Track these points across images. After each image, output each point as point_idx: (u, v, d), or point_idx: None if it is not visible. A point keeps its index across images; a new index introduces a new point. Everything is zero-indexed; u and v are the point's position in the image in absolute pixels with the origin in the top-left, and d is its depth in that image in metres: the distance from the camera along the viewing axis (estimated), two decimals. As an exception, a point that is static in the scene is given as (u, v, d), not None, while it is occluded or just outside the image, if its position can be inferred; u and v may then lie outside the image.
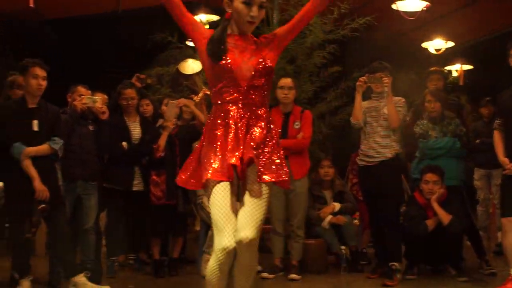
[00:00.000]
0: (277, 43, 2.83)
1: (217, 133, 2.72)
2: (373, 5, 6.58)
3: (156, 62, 8.15)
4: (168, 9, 2.76)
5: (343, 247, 5.37)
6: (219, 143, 2.69)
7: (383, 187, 4.96)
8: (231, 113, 2.71)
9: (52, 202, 4.29)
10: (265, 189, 2.64)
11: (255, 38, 2.82)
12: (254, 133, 2.70)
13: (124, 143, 5.21)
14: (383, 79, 4.93)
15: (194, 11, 7.60)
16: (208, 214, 5.22)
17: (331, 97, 5.87)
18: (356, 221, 6.04)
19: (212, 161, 2.67)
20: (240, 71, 2.71)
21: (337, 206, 5.48)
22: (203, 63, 2.85)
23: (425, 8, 6.85)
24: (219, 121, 2.73)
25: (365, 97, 5.20)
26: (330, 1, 2.82)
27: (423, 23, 7.61)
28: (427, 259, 5.11)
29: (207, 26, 7.61)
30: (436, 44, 8.06)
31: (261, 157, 2.67)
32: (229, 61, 2.69)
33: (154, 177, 5.26)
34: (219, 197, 2.62)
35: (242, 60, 2.73)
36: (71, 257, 4.56)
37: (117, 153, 5.19)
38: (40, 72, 4.36)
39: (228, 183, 2.64)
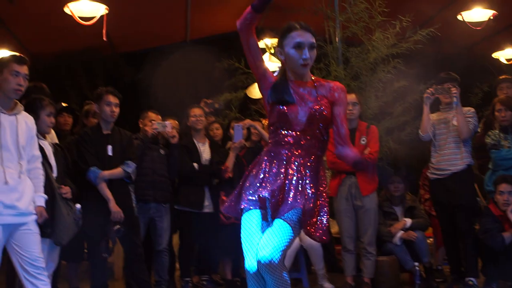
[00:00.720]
0: (331, 100, 2.83)
1: (261, 168, 2.81)
2: (439, 18, 6.46)
3: (225, 88, 8.33)
4: (242, 37, 2.78)
5: (416, 263, 5.23)
6: (260, 177, 2.78)
7: (456, 200, 4.84)
8: (281, 155, 2.78)
9: (126, 223, 4.47)
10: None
11: (315, 82, 2.86)
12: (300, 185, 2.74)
13: (195, 164, 5.35)
14: (451, 89, 4.85)
15: (258, 36, 7.76)
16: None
17: (398, 112, 5.79)
18: (429, 240, 5.89)
19: (250, 191, 2.77)
20: (295, 116, 2.77)
21: (408, 221, 5.36)
22: (264, 104, 2.92)
23: (492, 17, 6.70)
24: (265, 158, 2.82)
25: (434, 109, 5.13)
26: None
27: (492, 33, 7.39)
28: (506, 274, 4.90)
29: (272, 51, 7.75)
30: (508, 54, 7.81)
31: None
32: (284, 107, 2.76)
33: (224, 197, 5.35)
34: (248, 221, 2.73)
35: (300, 105, 2.78)
36: (146, 278, 4.70)
37: (188, 173, 5.33)
38: (113, 99, 4.58)
39: (259, 211, 2.73)
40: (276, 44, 2.87)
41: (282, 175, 2.74)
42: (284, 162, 2.76)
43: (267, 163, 2.80)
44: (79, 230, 4.13)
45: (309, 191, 2.74)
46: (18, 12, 6.26)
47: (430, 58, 6.09)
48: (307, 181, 2.76)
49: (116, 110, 4.59)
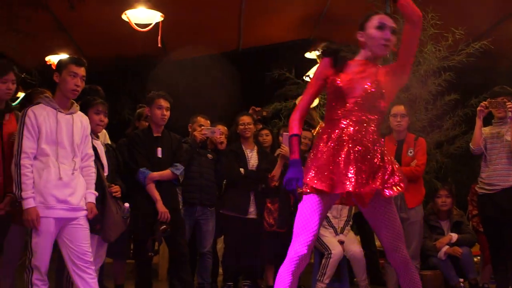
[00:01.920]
0: (394, 72, 2.97)
1: (321, 146, 2.91)
2: (493, 32, 6.37)
3: (275, 98, 8.41)
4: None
5: (461, 279, 5.13)
6: (322, 156, 2.87)
7: (505, 216, 4.73)
8: (341, 126, 2.88)
9: (173, 224, 4.57)
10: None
11: (383, 68, 3.00)
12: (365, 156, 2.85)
13: (241, 169, 5.41)
14: (507, 103, 4.76)
15: (310, 47, 7.81)
16: (321, 242, 5.28)
17: (448, 125, 5.72)
18: (476, 259, 5.76)
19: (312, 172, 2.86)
20: (351, 91, 2.88)
21: (454, 236, 5.27)
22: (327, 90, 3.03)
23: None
24: (325, 136, 2.92)
25: (486, 123, 5.04)
26: (419, 21, 2.86)
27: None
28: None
29: (320, 61, 7.76)
30: None
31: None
32: (339, 80, 2.89)
33: (269, 204, 5.38)
34: (305, 207, 2.82)
35: (356, 80, 2.90)
36: (190, 278, 4.78)
37: (234, 178, 5.39)
38: (164, 103, 4.71)
39: (318, 196, 2.82)
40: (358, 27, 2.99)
41: (345, 152, 2.83)
42: (344, 138, 2.86)
43: (328, 141, 2.89)
44: (127, 229, 4.26)
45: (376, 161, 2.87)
46: (78, 18, 6.52)
47: (484, 72, 5.99)
48: (372, 151, 2.88)
49: (167, 113, 4.71)
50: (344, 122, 2.89)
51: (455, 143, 5.66)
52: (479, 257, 6.22)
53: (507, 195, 4.77)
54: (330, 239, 5.30)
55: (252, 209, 5.40)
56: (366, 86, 2.89)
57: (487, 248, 5.41)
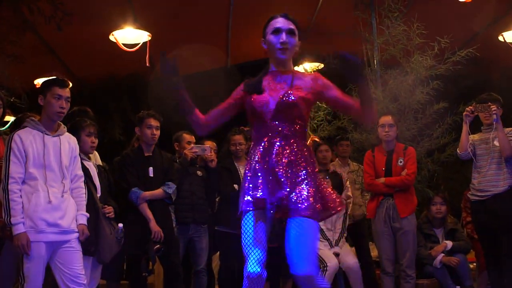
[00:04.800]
0: (319, 91, 2.87)
1: (251, 166, 2.84)
2: (478, 39, 6.42)
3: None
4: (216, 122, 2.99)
5: (458, 287, 5.12)
6: (248, 177, 2.82)
7: (498, 222, 4.73)
8: (261, 146, 2.80)
9: (166, 243, 4.55)
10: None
11: (294, 73, 2.91)
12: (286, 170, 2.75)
13: (235, 186, 5.40)
14: (491, 106, 4.77)
15: (298, 61, 7.83)
16: (317, 256, 5.26)
17: (438, 133, 5.74)
18: (472, 265, 5.76)
19: (247, 193, 2.80)
20: (265, 107, 2.80)
21: (449, 244, 5.27)
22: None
23: (533, 37, 6.58)
24: (252, 157, 2.85)
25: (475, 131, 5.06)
26: (371, 121, 2.88)
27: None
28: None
29: (312, 74, 7.77)
30: (554, 75, 7.63)
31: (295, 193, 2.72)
32: (253, 98, 2.83)
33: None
34: (248, 224, 2.75)
35: (271, 96, 2.82)
36: (185, 297, 4.77)
37: (228, 194, 5.37)
38: (154, 122, 4.71)
39: (258, 212, 2.74)
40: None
41: (270, 168, 2.75)
42: (267, 153, 2.78)
43: (254, 160, 2.82)
44: (121, 249, 4.24)
45: (301, 173, 2.75)
46: (66, 40, 6.53)
47: (471, 79, 6.04)
48: (295, 166, 2.76)
49: (157, 133, 4.71)
50: (266, 138, 2.81)
51: (446, 151, 5.67)
52: (474, 264, 6.21)
53: (499, 200, 4.78)
54: (325, 251, 5.28)
55: (246, 225, 5.36)
56: (280, 97, 2.80)
57: (482, 255, 5.40)
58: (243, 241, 2.74)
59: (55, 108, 3.63)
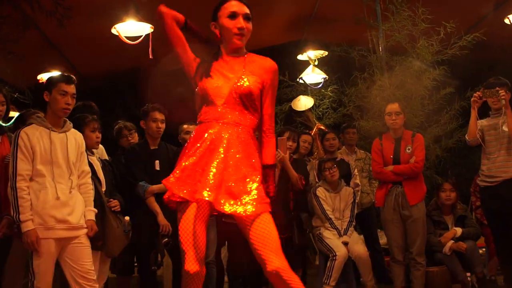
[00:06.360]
0: (263, 84, 2.77)
1: (192, 150, 2.67)
2: (485, 23, 6.34)
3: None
4: (164, 25, 2.80)
5: (468, 274, 5.10)
6: (191, 160, 2.64)
7: (508, 208, 4.70)
8: (210, 130, 2.67)
9: (175, 236, 4.53)
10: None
11: (246, 57, 2.79)
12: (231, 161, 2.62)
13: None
14: (500, 91, 4.72)
15: (302, 49, 7.79)
16: (325, 245, 5.25)
17: (445, 119, 5.69)
18: (481, 251, 5.74)
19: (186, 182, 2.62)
20: (218, 91, 2.69)
21: (459, 231, 5.25)
22: (192, 87, 2.83)
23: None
24: (197, 140, 2.70)
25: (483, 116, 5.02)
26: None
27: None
28: None
29: (316, 62, 7.74)
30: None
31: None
32: (206, 83, 2.70)
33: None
34: (187, 216, 2.64)
35: (223, 80, 2.71)
36: (195, 289, 4.74)
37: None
38: (159, 115, 4.69)
39: (195, 204, 2.62)
40: (211, 18, 2.80)
41: (216, 156, 2.62)
42: (214, 140, 2.65)
43: (198, 145, 2.66)
44: (129, 243, 4.22)
45: (246, 166, 2.65)
46: (68, 35, 6.49)
47: (478, 64, 5.97)
48: (242, 156, 2.65)
49: (162, 126, 4.68)
50: (216, 125, 2.68)
51: (453, 137, 5.62)
52: (484, 249, 6.19)
53: (509, 186, 4.74)
54: (334, 241, 5.27)
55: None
56: (232, 85, 2.70)
57: (492, 241, 5.38)
58: (183, 234, 2.67)
59: (61, 104, 3.60)
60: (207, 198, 2.54)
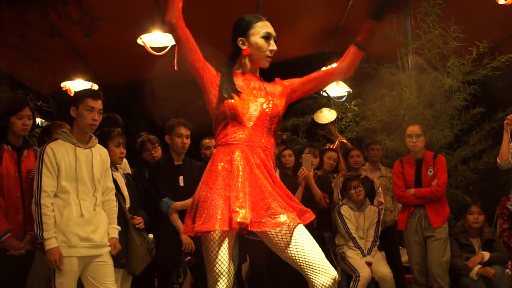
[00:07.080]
0: (290, 91, 2.75)
1: (218, 175, 2.56)
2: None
3: (292, 113, 8.31)
4: (174, 36, 2.70)
5: (496, 300, 4.97)
6: (218, 188, 2.53)
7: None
8: (236, 153, 2.56)
9: (197, 254, 4.47)
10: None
11: (263, 81, 2.75)
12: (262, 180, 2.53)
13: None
14: None
15: (327, 61, 7.70)
16: (348, 265, 5.15)
17: (475, 140, 5.57)
18: (508, 270, 5.59)
19: (215, 209, 2.49)
20: (246, 111, 2.62)
21: (486, 255, 5.11)
22: (209, 102, 2.70)
23: None
24: (221, 164, 2.57)
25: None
26: (352, 73, 2.77)
27: None
28: None
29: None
30: None
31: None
32: (232, 101, 2.59)
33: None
34: (221, 242, 2.56)
35: (251, 100, 2.64)
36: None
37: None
38: (184, 131, 4.63)
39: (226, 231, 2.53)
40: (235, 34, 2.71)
41: (244, 176, 2.52)
42: (242, 161, 2.54)
43: (224, 170, 2.55)
44: (152, 260, 4.16)
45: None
46: (94, 45, 6.49)
47: (509, 83, 5.84)
48: (269, 173, 2.58)
49: (187, 141, 4.63)
50: (239, 145, 2.59)
51: (482, 158, 5.50)
52: (508, 270, 6.03)
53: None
54: (357, 260, 5.19)
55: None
56: (261, 105, 2.63)
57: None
58: (220, 259, 2.60)
59: (88, 120, 3.56)
60: (244, 221, 2.42)
